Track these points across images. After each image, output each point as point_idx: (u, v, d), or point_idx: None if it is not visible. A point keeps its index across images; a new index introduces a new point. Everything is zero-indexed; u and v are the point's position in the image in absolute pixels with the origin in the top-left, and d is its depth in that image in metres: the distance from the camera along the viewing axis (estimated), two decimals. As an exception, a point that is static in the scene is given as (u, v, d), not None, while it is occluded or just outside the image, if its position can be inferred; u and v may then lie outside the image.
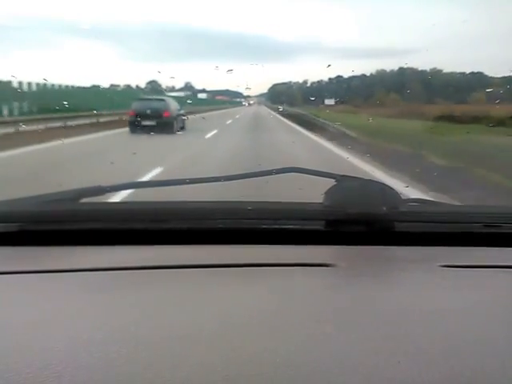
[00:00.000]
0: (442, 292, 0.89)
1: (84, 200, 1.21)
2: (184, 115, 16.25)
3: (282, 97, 54.77)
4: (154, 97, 17.21)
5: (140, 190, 1.27)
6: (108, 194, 1.24)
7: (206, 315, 0.77)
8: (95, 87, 23.14)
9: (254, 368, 0.62)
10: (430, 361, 0.64)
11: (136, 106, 15.18)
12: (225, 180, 1.34)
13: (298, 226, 1.19)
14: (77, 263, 1.00)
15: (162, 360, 0.64)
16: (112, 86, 33.55)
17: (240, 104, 56.64)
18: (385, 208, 1.14)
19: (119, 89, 33.95)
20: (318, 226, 1.17)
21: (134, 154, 8.47)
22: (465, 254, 1.10)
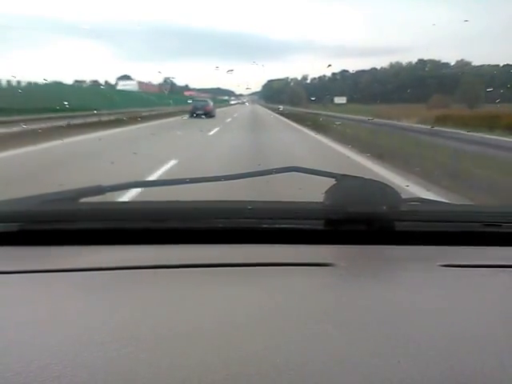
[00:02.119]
0: (442, 291, 0.89)
1: (84, 200, 1.21)
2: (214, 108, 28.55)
3: (280, 95, 48.22)
4: (201, 99, 29.35)
5: (140, 190, 1.27)
6: (108, 194, 1.24)
7: (206, 315, 0.77)
8: (58, 84, 21.09)
9: (254, 368, 0.62)
10: (429, 361, 0.64)
11: (193, 103, 26.33)
12: (225, 179, 1.34)
13: (298, 225, 1.19)
14: (77, 263, 1.00)
15: (162, 360, 0.64)
16: (76, 82, 30.41)
17: (227, 103, 48.96)
18: (385, 207, 1.14)
19: (85, 85, 30.72)
20: (318, 225, 1.17)
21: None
22: (465, 254, 1.10)
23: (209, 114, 24.45)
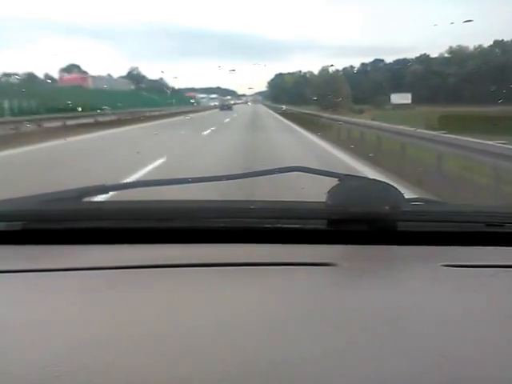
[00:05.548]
0: (444, 291, 0.88)
1: (86, 199, 1.21)
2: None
3: (295, 92, 37.35)
4: (226, 100, 43.89)
5: (142, 189, 1.27)
6: (110, 193, 1.24)
7: (207, 314, 0.77)
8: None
9: (255, 367, 0.62)
10: (430, 361, 0.64)
11: (220, 102, 40.39)
12: (227, 179, 1.34)
13: (301, 225, 1.19)
14: (79, 262, 1.00)
15: (162, 360, 0.64)
16: (5, 74, 26.15)
17: (212, 105, 40.91)
18: (387, 207, 1.13)
19: (18, 79, 26.64)
20: (321, 225, 1.17)
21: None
22: (467, 254, 1.10)
23: (229, 108, 37.86)
